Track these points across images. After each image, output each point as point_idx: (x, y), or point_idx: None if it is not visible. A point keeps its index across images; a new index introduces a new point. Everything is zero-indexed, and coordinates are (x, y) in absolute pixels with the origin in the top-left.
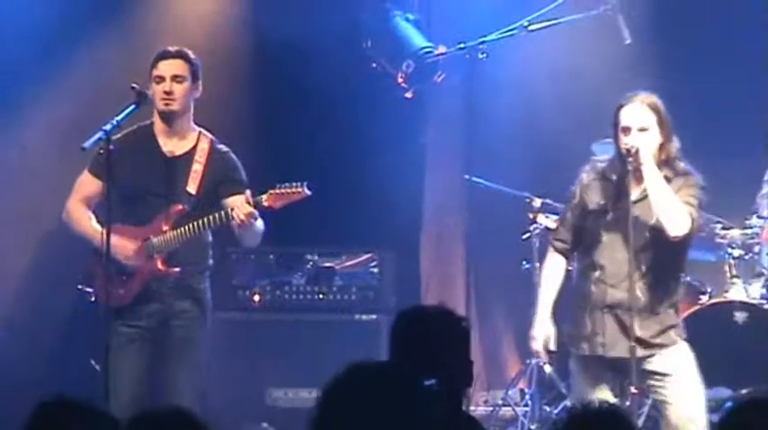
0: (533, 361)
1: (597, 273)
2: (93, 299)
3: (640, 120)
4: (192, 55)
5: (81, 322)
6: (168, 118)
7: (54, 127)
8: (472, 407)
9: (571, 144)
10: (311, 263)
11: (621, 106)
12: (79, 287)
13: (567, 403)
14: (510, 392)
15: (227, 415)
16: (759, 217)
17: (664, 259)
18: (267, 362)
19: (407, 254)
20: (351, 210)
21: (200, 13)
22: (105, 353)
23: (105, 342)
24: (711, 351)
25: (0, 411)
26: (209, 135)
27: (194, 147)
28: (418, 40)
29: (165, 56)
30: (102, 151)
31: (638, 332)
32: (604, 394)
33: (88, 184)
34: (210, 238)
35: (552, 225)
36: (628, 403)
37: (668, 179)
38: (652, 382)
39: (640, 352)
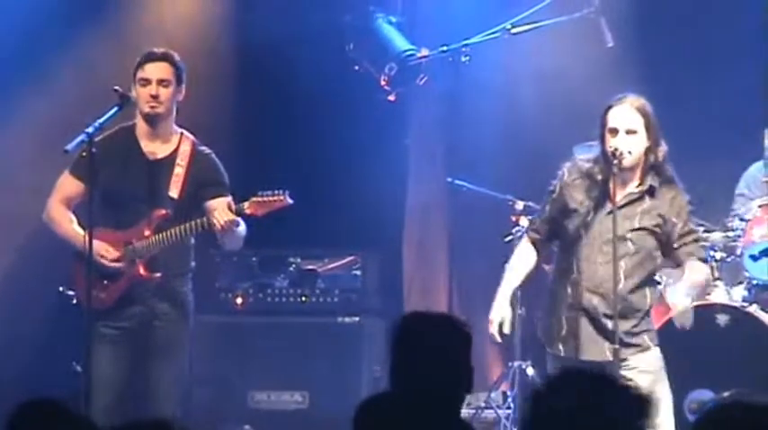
0: (516, 364)
1: (574, 276)
2: (74, 301)
3: (628, 123)
4: (177, 57)
5: (62, 324)
6: (152, 121)
7: (36, 127)
8: None
9: (554, 147)
10: (294, 265)
11: (610, 107)
12: (61, 289)
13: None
14: (492, 395)
15: (210, 417)
16: (741, 219)
17: (642, 264)
18: (250, 365)
19: (390, 256)
20: (333, 212)
21: (183, 14)
22: (87, 356)
23: (87, 344)
24: (694, 353)
25: None
26: (191, 137)
27: (176, 150)
28: (401, 42)
29: (151, 58)
30: (84, 154)
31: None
32: None
33: (69, 185)
34: (193, 241)
35: None
36: None
37: (653, 188)
38: None
39: (611, 355)
